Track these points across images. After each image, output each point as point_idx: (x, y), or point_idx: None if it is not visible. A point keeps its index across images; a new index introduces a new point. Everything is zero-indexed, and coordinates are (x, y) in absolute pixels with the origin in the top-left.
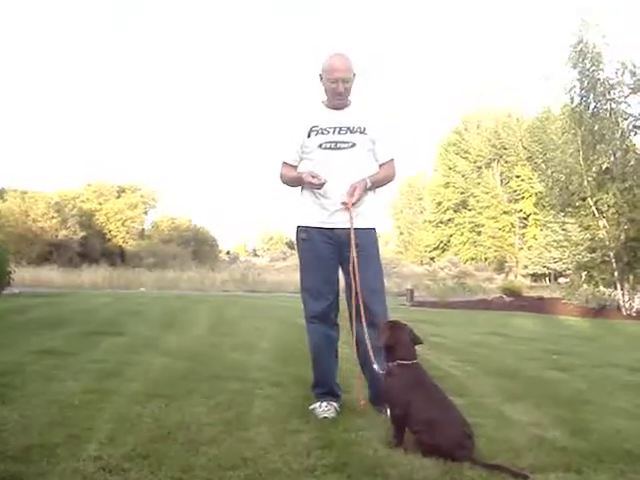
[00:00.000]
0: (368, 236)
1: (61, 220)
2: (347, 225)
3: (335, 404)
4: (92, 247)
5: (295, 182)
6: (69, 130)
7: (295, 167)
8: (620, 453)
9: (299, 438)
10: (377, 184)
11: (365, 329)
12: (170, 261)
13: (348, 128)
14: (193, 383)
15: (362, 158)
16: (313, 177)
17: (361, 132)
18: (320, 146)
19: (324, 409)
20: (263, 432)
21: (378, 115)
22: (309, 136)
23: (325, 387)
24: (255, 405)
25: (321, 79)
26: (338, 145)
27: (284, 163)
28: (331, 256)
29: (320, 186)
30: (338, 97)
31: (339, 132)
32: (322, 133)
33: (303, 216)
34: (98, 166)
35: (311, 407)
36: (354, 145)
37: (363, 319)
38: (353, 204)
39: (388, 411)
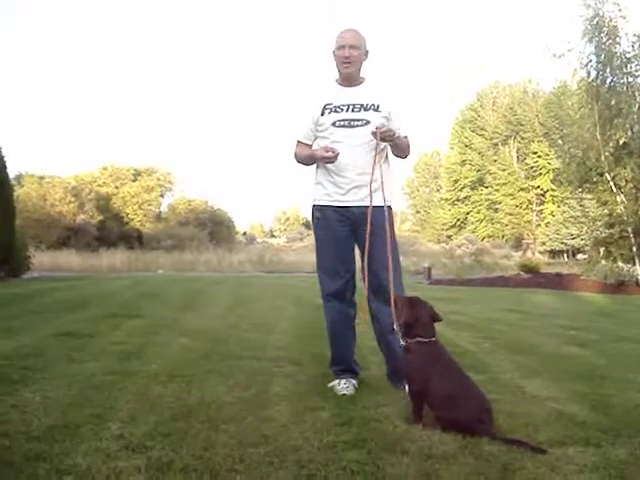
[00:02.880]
0: (383, 213)
1: (78, 204)
2: (362, 203)
3: (354, 381)
4: (110, 231)
5: (309, 160)
6: (84, 114)
7: (309, 146)
8: (639, 427)
9: (319, 415)
10: (400, 146)
11: (381, 306)
12: (187, 243)
13: (362, 105)
14: (213, 363)
15: None
16: (327, 151)
17: (375, 109)
18: (334, 124)
19: (343, 386)
20: (283, 410)
21: (392, 92)
22: (323, 114)
23: (343, 364)
24: (274, 383)
25: (334, 55)
26: (352, 123)
27: (298, 142)
28: (346, 234)
29: (335, 158)
30: (345, 63)
31: (353, 110)
32: (336, 111)
33: (318, 195)
34: (114, 150)
35: (330, 385)
36: (368, 122)
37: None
38: (382, 133)
39: (407, 387)
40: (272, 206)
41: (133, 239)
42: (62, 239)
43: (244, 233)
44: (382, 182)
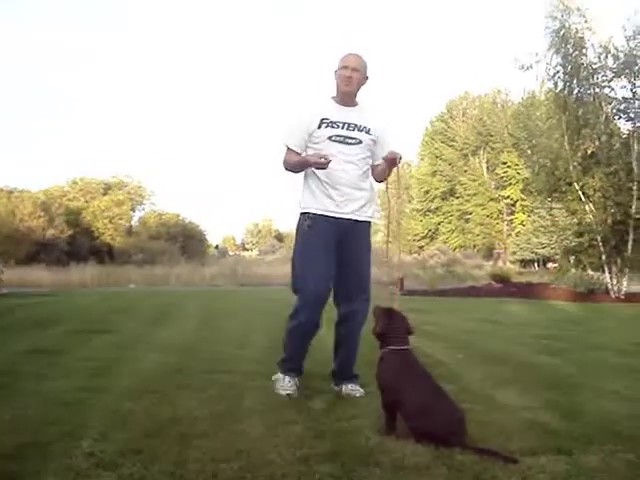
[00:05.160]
0: (370, 227)
1: (48, 219)
2: (354, 216)
3: (296, 379)
4: (80, 245)
5: (300, 166)
6: (53, 127)
7: (299, 154)
8: (610, 435)
9: (292, 429)
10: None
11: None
12: (159, 257)
13: (356, 125)
14: (184, 378)
15: (366, 155)
16: (319, 157)
17: (367, 132)
18: (330, 138)
19: (287, 386)
20: (255, 424)
21: (382, 119)
22: (319, 127)
23: (295, 364)
24: (247, 397)
25: (335, 75)
26: (346, 140)
27: (289, 149)
28: (333, 244)
29: (326, 165)
30: (346, 83)
31: (347, 128)
32: (332, 127)
33: (310, 203)
34: (83, 162)
35: (273, 377)
36: (360, 142)
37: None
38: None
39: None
40: (243, 218)
41: (104, 253)
42: (31, 254)
43: (216, 246)
44: (373, 195)
